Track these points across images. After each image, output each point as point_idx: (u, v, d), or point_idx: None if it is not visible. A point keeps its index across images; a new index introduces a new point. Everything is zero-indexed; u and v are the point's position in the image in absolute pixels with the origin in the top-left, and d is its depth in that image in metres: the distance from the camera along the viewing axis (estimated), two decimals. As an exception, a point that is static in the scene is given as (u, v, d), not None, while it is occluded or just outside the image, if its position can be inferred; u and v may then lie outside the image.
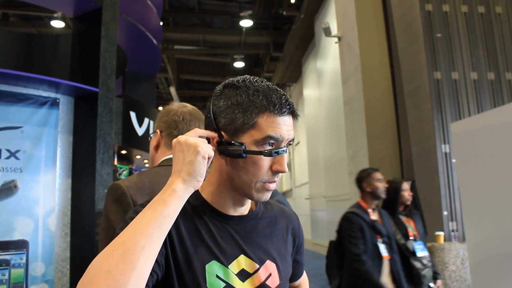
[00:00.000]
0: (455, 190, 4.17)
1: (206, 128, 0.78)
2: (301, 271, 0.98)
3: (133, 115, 3.83)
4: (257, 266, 0.78)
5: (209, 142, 0.75)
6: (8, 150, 2.34)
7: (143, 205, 0.69)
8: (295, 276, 0.95)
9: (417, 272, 2.48)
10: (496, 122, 2.36)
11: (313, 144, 11.08)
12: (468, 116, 4.33)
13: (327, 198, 9.02)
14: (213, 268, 0.73)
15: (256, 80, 0.77)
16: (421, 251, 2.59)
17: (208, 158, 0.71)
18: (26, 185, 2.36)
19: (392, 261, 2.35)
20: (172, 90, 13.27)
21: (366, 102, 5.73)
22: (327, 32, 6.82)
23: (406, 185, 2.77)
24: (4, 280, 2.19)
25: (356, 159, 6.11)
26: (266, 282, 0.78)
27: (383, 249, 2.34)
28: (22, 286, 2.26)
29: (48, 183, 2.44)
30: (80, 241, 2.46)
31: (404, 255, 2.53)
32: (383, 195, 2.44)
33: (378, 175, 2.46)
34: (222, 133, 0.75)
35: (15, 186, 2.32)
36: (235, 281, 0.75)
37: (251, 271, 0.77)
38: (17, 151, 2.37)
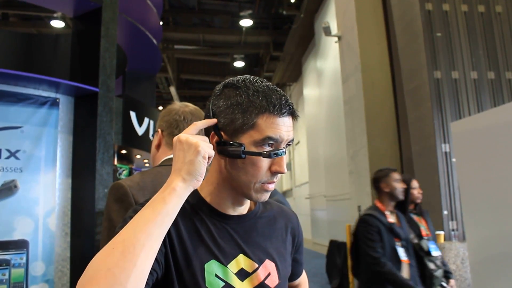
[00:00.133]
0: (455, 190, 4.16)
1: (205, 128, 0.78)
2: (301, 270, 0.98)
3: (133, 114, 3.83)
4: (256, 265, 0.78)
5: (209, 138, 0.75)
6: (8, 150, 2.34)
7: (142, 205, 0.69)
8: (294, 275, 0.95)
9: (430, 274, 2.39)
10: (496, 121, 2.36)
11: (313, 144, 11.09)
12: (468, 115, 4.32)
13: (327, 197, 9.03)
14: (212, 267, 0.73)
15: (256, 80, 0.77)
16: (435, 251, 2.50)
17: (209, 157, 0.71)
18: (26, 185, 2.36)
19: (410, 266, 2.24)
20: (172, 89, 13.27)
21: (366, 102, 5.73)
22: (327, 31, 6.81)
23: (415, 183, 2.67)
24: (4, 280, 2.20)
25: (356, 158, 6.11)
26: (265, 282, 0.78)
27: (402, 253, 2.23)
28: (22, 286, 2.26)
29: (48, 183, 2.44)
30: (80, 240, 2.46)
31: (417, 255, 2.43)
32: (401, 197, 2.34)
33: (396, 175, 2.37)
34: (222, 133, 0.75)
35: (15, 186, 2.33)
36: (234, 280, 0.75)
37: (250, 271, 0.77)
38: (17, 151, 2.37)
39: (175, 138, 0.72)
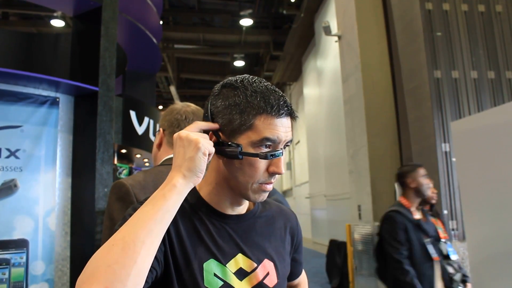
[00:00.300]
0: (455, 189, 4.16)
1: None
2: (300, 270, 0.98)
3: (133, 114, 3.83)
4: (255, 265, 0.78)
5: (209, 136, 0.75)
6: (8, 149, 2.34)
7: (142, 203, 0.69)
8: (293, 275, 0.95)
9: (450, 277, 2.29)
10: (496, 121, 2.36)
11: (313, 143, 11.09)
12: (468, 115, 4.32)
13: (327, 197, 9.03)
14: (211, 266, 0.74)
15: (254, 81, 0.76)
16: (453, 254, 2.39)
17: (209, 154, 0.71)
18: (26, 184, 2.36)
19: (441, 262, 2.15)
20: (172, 89, 13.27)
21: (366, 101, 5.72)
22: (327, 31, 6.80)
23: (429, 183, 2.57)
24: (4, 279, 2.20)
25: (356, 157, 6.10)
26: (264, 281, 0.78)
27: (432, 250, 2.12)
28: (22, 285, 2.26)
29: (48, 182, 2.44)
30: (80, 240, 2.46)
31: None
32: (428, 193, 2.24)
33: (423, 171, 2.26)
34: (219, 133, 0.75)
35: (15, 185, 2.33)
36: (233, 279, 0.75)
37: (248, 270, 0.77)
38: (17, 150, 2.37)
39: (176, 135, 0.72)
